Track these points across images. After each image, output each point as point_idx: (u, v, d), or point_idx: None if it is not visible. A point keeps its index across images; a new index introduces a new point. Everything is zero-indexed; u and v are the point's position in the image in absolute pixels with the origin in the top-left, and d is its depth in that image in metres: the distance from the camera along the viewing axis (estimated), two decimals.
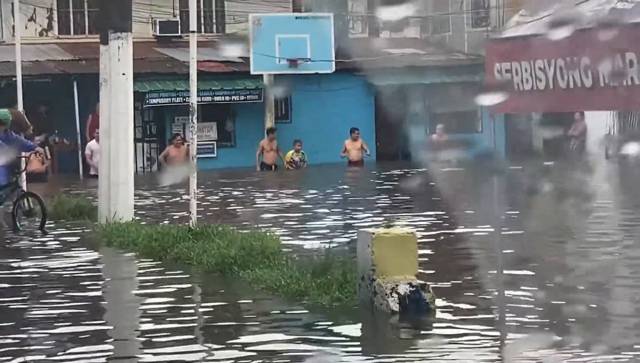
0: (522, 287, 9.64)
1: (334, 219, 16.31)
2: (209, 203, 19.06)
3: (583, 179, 20.27)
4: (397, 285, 8.82)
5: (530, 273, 10.67)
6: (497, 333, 8.14)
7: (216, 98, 29.91)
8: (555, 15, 6.81)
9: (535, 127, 31.17)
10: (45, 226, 15.53)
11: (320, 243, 12.25)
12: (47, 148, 27.55)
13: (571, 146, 29.10)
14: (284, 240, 12.67)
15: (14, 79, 20.45)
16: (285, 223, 15.84)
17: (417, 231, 9.99)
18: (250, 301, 9.90)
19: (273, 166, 29.53)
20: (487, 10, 33.92)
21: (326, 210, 17.76)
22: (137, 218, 15.12)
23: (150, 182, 23.80)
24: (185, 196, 16.51)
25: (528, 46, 6.64)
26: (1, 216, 16.09)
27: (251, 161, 29.67)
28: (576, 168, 24.08)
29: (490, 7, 33.58)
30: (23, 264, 12.71)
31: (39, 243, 14.59)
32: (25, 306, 10.13)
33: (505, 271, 8.36)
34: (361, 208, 18.05)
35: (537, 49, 6.51)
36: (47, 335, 8.66)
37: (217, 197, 20.76)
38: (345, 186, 23.39)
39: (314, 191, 21.51)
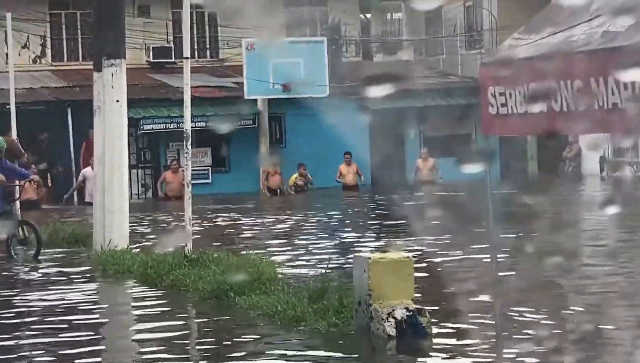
0: (520, 311, 9.60)
1: (329, 245, 16.27)
2: (204, 229, 19.02)
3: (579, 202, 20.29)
4: (393, 310, 8.79)
5: (528, 296, 10.63)
6: (495, 358, 8.09)
7: (210, 124, 29.90)
8: (548, 39, 6.80)
9: (530, 150, 31.20)
10: (40, 255, 15.43)
11: (315, 269, 12.21)
12: (49, 175, 27.55)
13: (566, 168, 29.12)
14: (281, 265, 12.63)
15: (7, 106, 20.41)
16: (282, 248, 15.81)
17: (413, 255, 9.97)
18: (247, 327, 9.85)
19: (278, 191, 29.42)
20: (480, 33, 34.00)
21: (321, 235, 17.73)
22: (133, 246, 15.08)
23: (145, 208, 23.77)
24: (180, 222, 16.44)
25: (522, 69, 6.63)
26: None
27: (246, 186, 29.64)
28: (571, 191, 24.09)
29: (484, 30, 33.67)
30: (17, 294, 12.65)
31: (33, 271, 14.52)
32: (27, 334, 10.07)
33: (502, 295, 8.33)
34: (356, 233, 18.01)
35: (531, 72, 6.50)
36: None
37: (212, 223, 20.71)
38: (338, 211, 23.35)
39: (309, 216, 21.48)
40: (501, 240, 10.62)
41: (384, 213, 21.68)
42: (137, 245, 15.82)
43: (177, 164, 28.64)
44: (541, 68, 6.56)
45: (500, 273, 8.09)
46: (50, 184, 28.14)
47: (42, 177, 28.36)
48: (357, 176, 30.26)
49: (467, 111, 31.65)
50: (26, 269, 14.73)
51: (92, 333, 10.00)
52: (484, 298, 9.88)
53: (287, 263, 13.72)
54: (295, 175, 29.68)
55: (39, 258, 15.28)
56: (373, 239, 16.68)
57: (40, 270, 14.56)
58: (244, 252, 13.85)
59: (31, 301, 12.00)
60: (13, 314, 11.20)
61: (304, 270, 13.13)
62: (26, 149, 19.47)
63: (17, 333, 10.12)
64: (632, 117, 5.90)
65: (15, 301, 12.14)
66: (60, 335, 9.77)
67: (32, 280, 13.80)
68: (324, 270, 10.92)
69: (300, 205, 25.59)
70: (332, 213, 22.22)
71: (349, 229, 18.79)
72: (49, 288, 12.91)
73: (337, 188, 29.50)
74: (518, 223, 16.49)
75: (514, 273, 11.91)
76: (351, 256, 10.27)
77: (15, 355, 9.01)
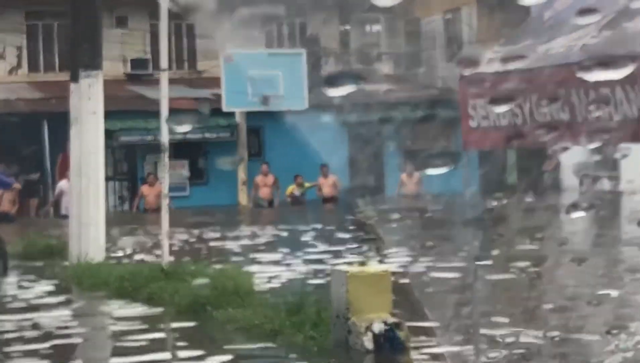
0: (498, 327, 9.55)
1: (308, 258, 16.20)
2: (181, 242, 18.93)
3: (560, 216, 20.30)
4: (371, 324, 8.72)
5: (506, 310, 10.58)
6: None
7: (188, 136, 29.80)
8: (528, 52, 6.77)
9: (510, 163, 31.24)
10: (8, 268, 15.12)
11: (293, 282, 12.13)
12: (42, 186, 27.41)
13: (545, 181, 29.17)
14: (258, 278, 12.56)
15: None
16: (259, 260, 15.73)
17: (390, 269, 9.91)
18: (224, 341, 9.75)
19: (267, 203, 29.29)
20: (460, 46, 34.06)
21: (300, 247, 17.66)
22: (109, 255, 14.96)
23: (121, 221, 23.63)
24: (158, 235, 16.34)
25: (502, 82, 6.60)
26: None
27: (224, 199, 29.55)
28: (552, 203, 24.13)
29: (464, 43, 33.72)
30: None
31: (6, 285, 14.37)
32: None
33: (480, 309, 8.28)
34: (334, 246, 17.94)
35: (512, 85, 6.47)
36: None
37: (190, 236, 20.61)
38: (317, 224, 23.29)
39: (288, 229, 21.41)
40: (480, 252, 10.59)
41: (360, 226, 21.63)
42: (113, 257, 15.71)
43: (153, 177, 28.53)
44: (520, 81, 6.53)
45: (479, 285, 8.04)
46: (42, 195, 28.04)
47: (33, 188, 28.25)
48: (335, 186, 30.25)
49: (446, 124, 31.68)
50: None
51: (68, 350, 9.88)
52: (464, 311, 9.83)
53: (265, 276, 13.64)
54: (293, 186, 29.61)
55: (7, 272, 14.96)
56: (352, 252, 16.60)
57: (12, 284, 14.40)
58: (221, 265, 13.77)
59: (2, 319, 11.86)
60: None
61: (281, 283, 13.06)
62: (2, 160, 19.31)
63: None
64: (610, 130, 5.87)
65: None
66: (35, 353, 9.64)
67: (3, 296, 13.65)
68: (301, 283, 10.84)
69: (281, 218, 25.52)
70: (307, 226, 22.15)
71: (326, 242, 18.71)
72: (22, 301, 12.77)
73: (318, 200, 29.47)
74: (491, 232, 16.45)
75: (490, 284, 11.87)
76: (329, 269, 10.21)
77: None
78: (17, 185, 16.17)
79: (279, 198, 29.38)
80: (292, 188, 29.59)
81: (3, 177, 15.67)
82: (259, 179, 29.70)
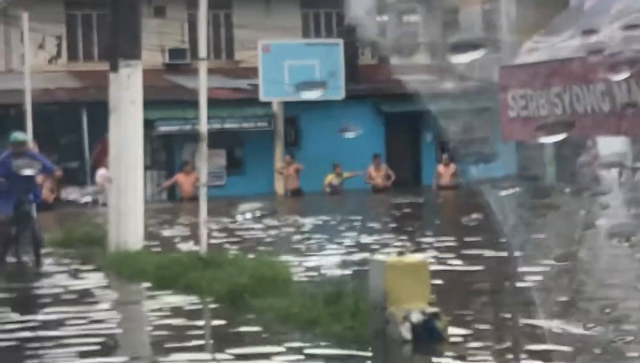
0: (536, 315, 9.52)
1: (347, 247, 16.21)
2: (219, 231, 18.99)
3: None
4: (409, 314, 8.73)
5: (547, 300, 10.55)
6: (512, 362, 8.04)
7: (225, 125, 29.89)
8: (569, 42, 6.74)
9: (548, 154, 31.07)
10: (42, 256, 15.22)
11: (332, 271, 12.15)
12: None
13: (584, 173, 28.99)
14: (296, 267, 12.59)
15: (23, 107, 20.45)
16: (298, 250, 15.77)
17: (429, 257, 9.92)
18: (262, 329, 9.80)
19: (290, 192, 29.37)
20: (498, 36, 33.89)
21: (339, 237, 17.68)
22: (147, 244, 15.04)
23: (159, 210, 23.74)
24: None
25: (542, 73, 6.57)
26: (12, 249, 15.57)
27: (261, 188, 29.63)
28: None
29: (502, 33, 33.56)
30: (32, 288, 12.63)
31: (46, 271, 14.51)
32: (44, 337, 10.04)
33: (520, 299, 8.27)
34: (378, 235, 17.92)
35: (551, 75, 6.44)
36: None
37: (227, 225, 20.68)
38: (361, 213, 23.28)
39: (327, 217, 21.44)
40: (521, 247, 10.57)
41: (409, 215, 21.60)
42: (152, 246, 15.80)
43: (190, 166, 28.68)
44: (560, 71, 6.50)
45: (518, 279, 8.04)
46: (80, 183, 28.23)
47: (72, 176, 28.40)
48: (387, 177, 30.30)
49: (484, 115, 31.50)
50: (37, 270, 14.70)
51: (108, 334, 9.96)
52: (502, 302, 9.82)
53: (303, 265, 13.67)
54: (332, 175, 29.65)
55: (40, 260, 15.05)
56: (394, 241, 16.59)
57: (53, 270, 14.54)
58: (260, 254, 13.81)
59: (43, 300, 11.98)
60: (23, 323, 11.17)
61: (320, 272, 13.09)
62: (42, 149, 19.43)
63: (33, 337, 10.09)
64: None
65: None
66: (76, 341, 9.72)
67: (42, 279, 13.78)
68: (340, 273, 10.87)
69: (314, 208, 25.53)
70: (354, 215, 22.15)
71: (371, 231, 18.70)
72: (62, 287, 12.89)
73: (367, 190, 29.51)
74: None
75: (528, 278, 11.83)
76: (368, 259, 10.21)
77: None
78: (59, 172, 16.14)
79: (299, 186, 29.44)
80: (330, 178, 29.63)
81: (48, 162, 15.59)
82: (283, 168, 29.85)
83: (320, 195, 28.90)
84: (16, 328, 10.20)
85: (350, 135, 27.43)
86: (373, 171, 30.15)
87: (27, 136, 15.43)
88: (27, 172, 14.19)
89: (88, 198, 25.33)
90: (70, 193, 23.57)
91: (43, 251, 15.30)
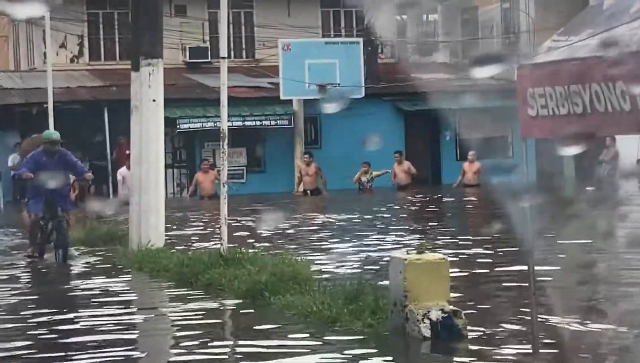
0: (556, 314, 9.55)
1: (366, 245, 16.25)
2: (239, 228, 19.06)
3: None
4: (429, 311, 8.76)
5: (565, 299, 10.58)
6: (532, 361, 8.06)
7: (246, 123, 29.97)
8: (588, 41, 6.77)
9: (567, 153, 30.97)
10: (71, 254, 15.32)
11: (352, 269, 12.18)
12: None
13: (603, 172, 28.93)
14: (316, 265, 12.64)
15: (45, 105, 20.55)
16: (318, 248, 15.82)
17: (449, 255, 9.94)
18: (282, 327, 9.85)
19: (309, 192, 29.38)
20: (517, 34, 33.86)
21: (359, 235, 17.72)
22: (168, 241, 15.12)
23: (180, 208, 23.82)
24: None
25: (562, 71, 6.60)
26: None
27: (281, 186, 29.69)
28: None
29: (521, 32, 33.52)
30: (54, 290, 12.72)
31: (69, 269, 14.61)
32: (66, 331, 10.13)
33: (540, 297, 8.29)
34: (396, 233, 17.97)
35: (571, 73, 6.47)
36: None
37: (248, 223, 20.75)
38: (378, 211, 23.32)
39: (346, 215, 21.47)
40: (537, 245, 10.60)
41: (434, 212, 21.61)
42: (173, 243, 15.88)
43: (207, 164, 28.77)
44: (580, 70, 6.53)
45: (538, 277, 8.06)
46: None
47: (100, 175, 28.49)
48: (409, 173, 30.32)
49: (502, 113, 31.48)
50: (62, 269, 14.82)
51: (131, 333, 10.04)
52: (523, 301, 9.84)
53: (323, 263, 13.72)
54: (360, 173, 29.67)
55: (66, 258, 15.14)
56: (413, 239, 16.63)
57: (75, 268, 14.65)
58: (280, 251, 13.87)
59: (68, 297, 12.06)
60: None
61: (340, 270, 13.14)
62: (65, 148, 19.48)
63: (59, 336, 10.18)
64: None
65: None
66: (98, 337, 9.79)
67: (67, 277, 13.89)
68: (360, 270, 10.91)
69: (338, 206, 25.58)
70: (378, 213, 22.19)
71: (391, 229, 18.74)
72: (85, 284, 12.99)
73: (392, 187, 29.57)
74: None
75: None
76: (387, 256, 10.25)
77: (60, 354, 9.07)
78: (89, 175, 15.83)
79: (326, 187, 29.40)
80: (359, 175, 29.69)
81: (79, 164, 15.56)
82: (302, 168, 29.84)
83: (341, 193, 28.91)
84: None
85: (371, 146, 27.57)
86: (396, 167, 30.20)
87: (59, 135, 15.41)
88: (52, 185, 14.37)
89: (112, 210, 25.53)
90: (95, 206, 23.62)
91: (69, 251, 15.38)
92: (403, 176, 30.04)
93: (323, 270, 12.89)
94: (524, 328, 8.89)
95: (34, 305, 11.63)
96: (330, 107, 24.96)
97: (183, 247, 15.58)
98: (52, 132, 15.68)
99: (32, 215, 15.25)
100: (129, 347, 9.33)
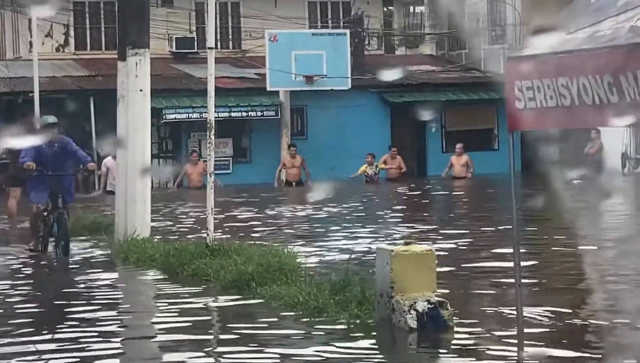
0: (542, 305, 9.60)
1: (353, 236, 16.28)
2: (225, 219, 19.06)
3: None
4: (415, 302, 8.79)
5: (551, 289, 10.63)
6: (517, 352, 8.09)
7: (232, 114, 29.97)
8: (576, 34, 6.79)
9: (552, 146, 31.07)
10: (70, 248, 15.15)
11: (338, 260, 12.19)
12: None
13: (588, 164, 29.04)
14: (302, 256, 12.65)
15: (31, 94, 20.52)
16: (304, 239, 15.83)
17: (435, 246, 9.97)
18: (268, 317, 9.85)
19: (294, 183, 29.43)
20: (503, 27, 33.91)
21: (344, 226, 17.74)
22: (155, 231, 15.10)
23: (167, 198, 23.79)
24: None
25: (550, 64, 6.61)
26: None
27: (267, 177, 29.68)
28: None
29: (507, 25, 33.57)
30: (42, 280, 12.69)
31: (60, 260, 14.59)
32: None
33: (525, 288, 8.32)
34: (379, 225, 18.01)
35: (559, 66, 6.48)
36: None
37: (234, 213, 20.75)
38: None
39: (335, 207, 21.51)
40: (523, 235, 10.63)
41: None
42: (158, 234, 15.87)
43: (195, 155, 28.83)
44: (568, 63, 6.55)
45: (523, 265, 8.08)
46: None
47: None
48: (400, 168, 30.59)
49: (489, 106, 31.60)
50: (53, 259, 14.76)
51: (115, 322, 10.03)
52: (508, 291, 9.88)
53: (309, 254, 13.73)
54: (365, 165, 29.75)
55: (68, 251, 14.97)
56: (398, 231, 16.66)
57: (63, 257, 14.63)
58: (266, 242, 13.87)
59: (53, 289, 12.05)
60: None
61: (325, 261, 13.15)
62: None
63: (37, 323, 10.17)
64: None
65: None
66: (81, 326, 9.79)
67: (55, 266, 13.86)
68: (346, 262, 10.92)
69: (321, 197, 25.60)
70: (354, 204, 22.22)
71: (370, 222, 18.78)
72: (69, 275, 12.98)
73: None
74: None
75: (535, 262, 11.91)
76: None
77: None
78: (92, 164, 15.54)
79: (309, 178, 29.39)
80: (364, 167, 29.77)
81: (81, 153, 15.34)
82: (287, 160, 29.89)
83: (327, 184, 28.91)
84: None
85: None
86: (389, 159, 30.42)
87: (55, 118, 15.19)
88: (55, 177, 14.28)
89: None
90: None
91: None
92: (394, 170, 30.32)
93: (310, 260, 12.90)
94: (510, 318, 8.92)
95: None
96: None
97: (170, 237, 15.56)
98: (47, 117, 15.52)
99: (33, 207, 15.07)
100: (111, 339, 9.31)
